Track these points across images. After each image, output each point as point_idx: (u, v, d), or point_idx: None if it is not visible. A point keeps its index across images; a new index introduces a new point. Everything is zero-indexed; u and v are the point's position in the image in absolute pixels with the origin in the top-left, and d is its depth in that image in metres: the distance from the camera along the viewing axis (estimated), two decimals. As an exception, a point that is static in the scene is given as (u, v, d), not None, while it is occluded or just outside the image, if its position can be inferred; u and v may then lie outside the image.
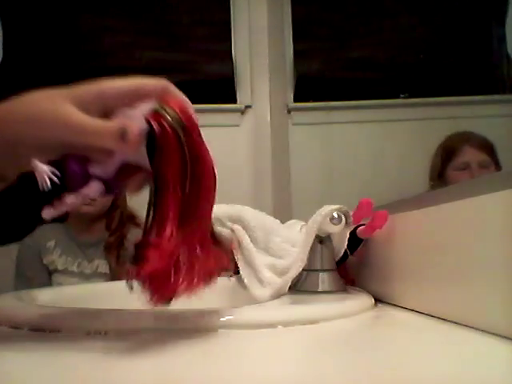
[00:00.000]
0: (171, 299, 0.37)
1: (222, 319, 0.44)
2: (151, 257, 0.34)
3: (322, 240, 0.68)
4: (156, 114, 0.36)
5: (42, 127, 0.36)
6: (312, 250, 0.67)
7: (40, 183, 0.35)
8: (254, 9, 1.85)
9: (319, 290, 0.66)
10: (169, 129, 0.36)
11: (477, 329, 0.42)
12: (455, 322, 0.46)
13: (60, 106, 0.36)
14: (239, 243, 0.72)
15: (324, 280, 0.67)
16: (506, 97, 1.03)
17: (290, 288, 0.65)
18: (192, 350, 0.37)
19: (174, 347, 0.37)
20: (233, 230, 0.73)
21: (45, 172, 0.35)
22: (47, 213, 0.36)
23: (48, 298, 0.65)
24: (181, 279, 0.36)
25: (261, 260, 0.69)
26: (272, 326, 0.46)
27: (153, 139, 0.36)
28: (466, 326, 0.44)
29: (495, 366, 0.33)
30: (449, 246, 0.47)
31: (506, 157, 0.93)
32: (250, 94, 1.84)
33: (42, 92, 0.38)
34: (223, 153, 1.81)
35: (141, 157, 0.37)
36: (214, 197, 0.39)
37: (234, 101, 1.84)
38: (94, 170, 0.37)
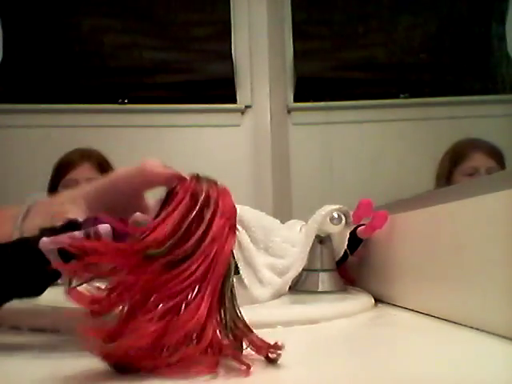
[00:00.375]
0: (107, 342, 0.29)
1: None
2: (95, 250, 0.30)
3: (322, 240, 0.68)
4: (192, 177, 0.37)
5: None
6: (312, 250, 0.67)
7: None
8: (254, 9, 1.85)
9: (319, 290, 0.66)
10: (189, 189, 0.35)
11: (477, 329, 0.42)
12: (455, 322, 0.46)
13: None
14: (239, 243, 0.72)
15: (324, 280, 0.67)
16: (506, 97, 1.03)
17: (290, 288, 0.65)
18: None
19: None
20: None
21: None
22: (44, 242, 0.34)
23: (48, 297, 0.65)
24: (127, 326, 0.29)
25: (261, 260, 0.69)
26: (272, 326, 0.46)
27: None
28: (466, 325, 0.44)
29: (495, 366, 0.33)
30: (449, 246, 0.47)
31: (506, 156, 0.93)
32: (250, 94, 1.84)
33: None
34: (223, 153, 1.81)
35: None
36: (215, 268, 0.34)
37: (234, 101, 1.84)
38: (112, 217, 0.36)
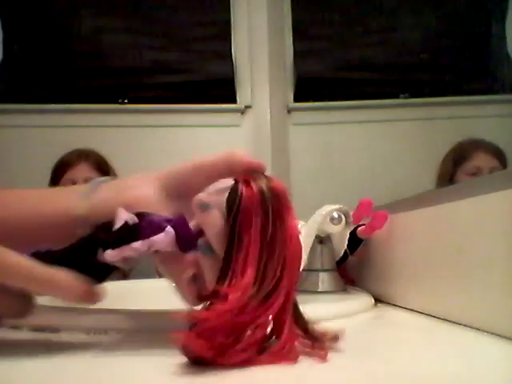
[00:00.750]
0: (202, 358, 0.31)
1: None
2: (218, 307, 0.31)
3: (322, 240, 0.68)
4: (249, 176, 0.35)
5: None
6: (312, 250, 0.67)
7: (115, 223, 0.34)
8: (254, 9, 1.85)
9: (319, 290, 0.66)
10: (255, 191, 0.34)
11: (477, 329, 0.42)
12: (455, 322, 0.46)
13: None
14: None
15: (324, 280, 0.67)
16: (506, 97, 1.03)
17: (289, 288, 0.65)
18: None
19: (174, 347, 0.36)
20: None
21: (123, 217, 0.34)
22: (108, 254, 0.34)
23: (48, 297, 0.65)
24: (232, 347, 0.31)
25: (261, 260, 0.69)
26: (272, 326, 0.46)
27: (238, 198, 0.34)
28: (466, 326, 0.44)
29: (495, 366, 0.33)
30: (449, 246, 0.47)
31: (508, 156, 0.93)
32: (250, 94, 1.84)
33: None
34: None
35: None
36: (293, 275, 0.34)
37: (234, 101, 1.84)
38: (172, 221, 0.35)
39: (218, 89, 1.85)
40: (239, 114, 1.84)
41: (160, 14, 1.88)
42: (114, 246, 0.34)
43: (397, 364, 0.33)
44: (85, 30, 1.83)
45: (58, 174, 1.42)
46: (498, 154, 1.00)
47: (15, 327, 0.45)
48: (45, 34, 1.82)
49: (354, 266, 0.76)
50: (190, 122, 1.82)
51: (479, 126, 1.09)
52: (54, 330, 0.43)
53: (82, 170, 1.42)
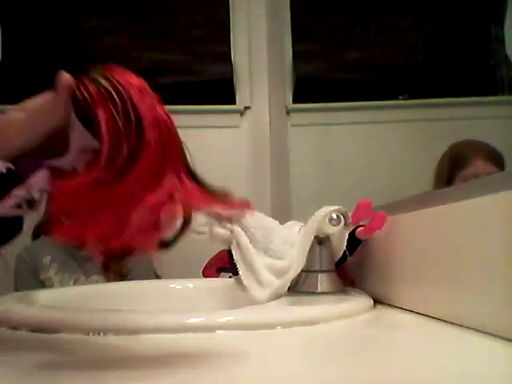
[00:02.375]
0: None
1: (221, 320, 0.44)
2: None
3: (321, 241, 0.68)
4: (87, 79, 0.38)
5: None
6: (311, 250, 0.67)
7: None
8: (253, 10, 1.85)
9: (318, 291, 0.66)
10: (94, 90, 0.37)
11: (476, 329, 0.42)
12: (454, 323, 0.46)
13: None
14: (238, 244, 0.72)
15: (323, 281, 0.67)
16: (505, 98, 1.03)
17: (288, 289, 0.65)
18: (191, 350, 0.37)
19: (173, 348, 0.37)
20: (232, 231, 0.73)
21: None
22: None
23: (48, 298, 0.65)
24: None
25: (260, 261, 0.69)
26: (271, 327, 0.46)
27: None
28: (465, 326, 0.44)
29: (495, 366, 0.33)
30: (448, 247, 0.47)
31: (505, 159, 0.94)
32: (249, 95, 1.84)
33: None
34: (222, 154, 1.81)
35: (77, 127, 0.38)
36: (160, 151, 0.36)
37: (233, 102, 1.84)
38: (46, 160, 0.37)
39: (217, 90, 1.85)
40: (238, 115, 1.84)
41: (159, 16, 1.88)
42: None
43: (396, 365, 0.34)
44: (84, 30, 1.83)
45: None
46: (495, 159, 0.99)
47: (15, 327, 0.45)
48: (45, 34, 1.82)
49: (353, 267, 0.76)
50: (189, 123, 1.82)
51: (478, 128, 1.09)
52: (54, 330, 0.43)
53: None
